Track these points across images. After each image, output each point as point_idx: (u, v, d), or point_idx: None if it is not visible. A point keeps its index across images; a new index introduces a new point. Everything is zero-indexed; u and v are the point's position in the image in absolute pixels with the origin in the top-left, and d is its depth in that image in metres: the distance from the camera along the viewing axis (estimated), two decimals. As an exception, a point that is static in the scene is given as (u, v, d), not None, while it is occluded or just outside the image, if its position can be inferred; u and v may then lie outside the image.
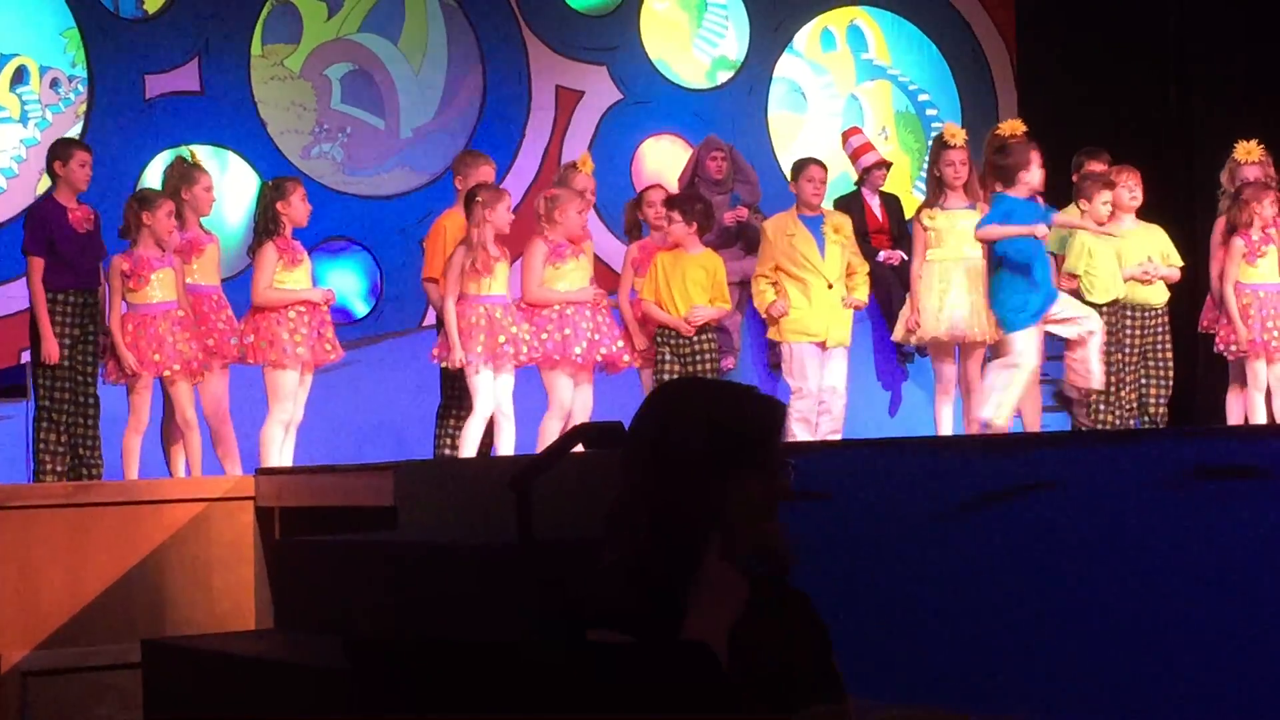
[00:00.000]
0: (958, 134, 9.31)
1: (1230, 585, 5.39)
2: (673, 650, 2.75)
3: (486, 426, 8.67)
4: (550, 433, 8.63)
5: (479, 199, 8.66)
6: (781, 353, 9.51)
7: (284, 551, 6.84)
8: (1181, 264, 9.57)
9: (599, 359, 8.82)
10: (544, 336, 8.70)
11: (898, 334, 9.39)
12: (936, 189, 9.19)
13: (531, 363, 8.75)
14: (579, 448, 4.71)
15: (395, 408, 9.86)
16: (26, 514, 6.94)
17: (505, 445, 8.64)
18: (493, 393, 8.59)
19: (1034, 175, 8.56)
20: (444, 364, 8.73)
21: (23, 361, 10.45)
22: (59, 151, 8.75)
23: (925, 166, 13.59)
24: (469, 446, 8.61)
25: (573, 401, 8.80)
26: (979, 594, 5.09)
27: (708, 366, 9.12)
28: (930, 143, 13.70)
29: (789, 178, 9.95)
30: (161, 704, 6.08)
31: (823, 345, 9.29)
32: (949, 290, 9.00)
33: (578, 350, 8.70)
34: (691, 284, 9.14)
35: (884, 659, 4.64)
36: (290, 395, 8.48)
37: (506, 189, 9.05)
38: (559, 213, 8.83)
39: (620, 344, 8.92)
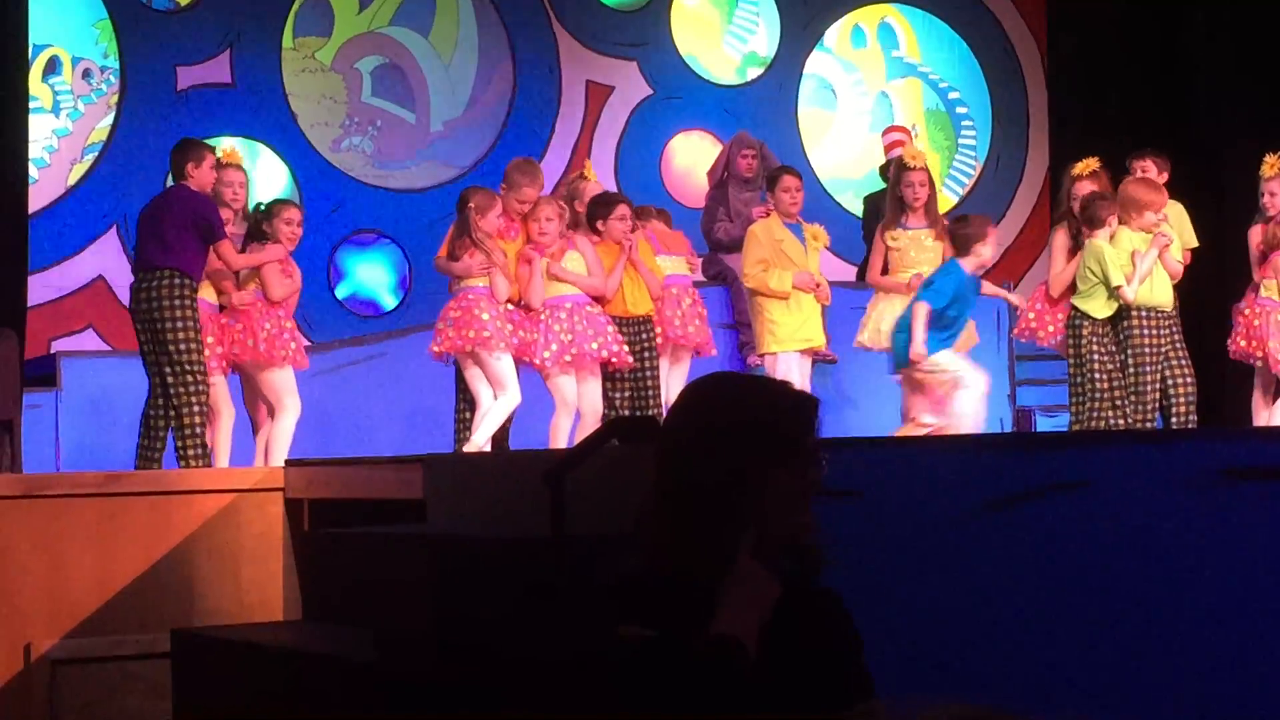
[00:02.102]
0: (918, 156, 9.56)
1: (1260, 586, 5.39)
2: (701, 645, 2.75)
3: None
4: (561, 430, 8.66)
5: (471, 204, 8.67)
6: (765, 364, 9.49)
7: (313, 543, 6.84)
8: (1195, 244, 9.55)
9: (568, 359, 8.71)
10: (521, 334, 8.69)
11: (859, 339, 9.43)
12: (898, 209, 9.30)
13: (521, 359, 8.72)
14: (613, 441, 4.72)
15: (424, 400, 9.86)
16: (57, 503, 6.94)
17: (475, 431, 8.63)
18: (515, 378, 8.60)
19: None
20: (438, 356, 8.71)
21: (53, 350, 10.48)
22: (190, 154, 8.38)
23: (947, 169, 13.64)
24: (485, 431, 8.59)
25: (581, 399, 8.77)
26: (1008, 593, 5.09)
27: (644, 352, 9.08)
28: (959, 142, 13.76)
29: (765, 188, 10.04)
30: (190, 694, 6.10)
31: (807, 352, 9.43)
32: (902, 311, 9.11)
33: (545, 354, 8.65)
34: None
35: (914, 657, 4.64)
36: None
37: (497, 195, 8.95)
38: (539, 216, 8.83)
39: (597, 344, 8.75)
